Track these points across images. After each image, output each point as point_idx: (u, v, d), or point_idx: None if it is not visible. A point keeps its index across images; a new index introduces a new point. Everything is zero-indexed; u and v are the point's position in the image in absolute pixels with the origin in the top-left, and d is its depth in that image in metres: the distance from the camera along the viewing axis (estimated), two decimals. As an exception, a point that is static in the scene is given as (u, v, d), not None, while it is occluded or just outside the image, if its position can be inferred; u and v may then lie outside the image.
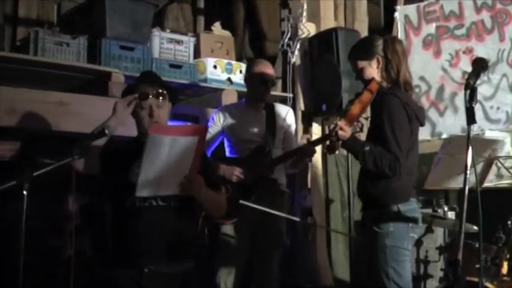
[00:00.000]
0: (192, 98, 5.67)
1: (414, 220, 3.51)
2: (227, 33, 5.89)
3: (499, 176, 4.54)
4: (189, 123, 2.56)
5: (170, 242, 2.93)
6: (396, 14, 6.00)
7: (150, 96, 3.01)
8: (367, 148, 3.37)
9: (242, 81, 4.87)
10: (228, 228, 4.28)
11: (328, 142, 3.57)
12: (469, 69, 2.71)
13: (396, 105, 3.39)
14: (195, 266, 3.04)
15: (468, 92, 2.58)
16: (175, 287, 2.95)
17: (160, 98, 3.05)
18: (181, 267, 2.98)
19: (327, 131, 5.53)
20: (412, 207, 3.49)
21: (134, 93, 3.06)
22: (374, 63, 3.51)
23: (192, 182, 2.84)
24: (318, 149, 5.62)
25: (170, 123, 3.15)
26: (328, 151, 3.73)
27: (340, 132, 3.40)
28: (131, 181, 2.84)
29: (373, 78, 3.47)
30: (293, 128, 4.60)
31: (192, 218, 3.07)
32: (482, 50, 5.48)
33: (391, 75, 3.50)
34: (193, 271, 3.04)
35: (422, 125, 3.57)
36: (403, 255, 3.43)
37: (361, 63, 3.53)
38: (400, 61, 3.51)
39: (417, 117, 3.49)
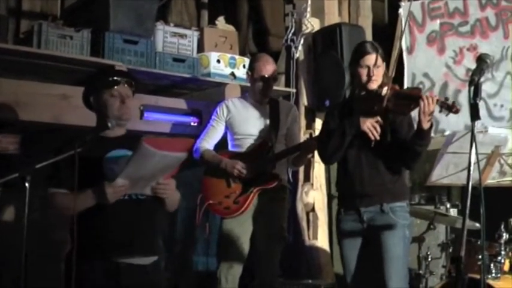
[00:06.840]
0: (195, 92, 5.66)
1: None
2: (231, 27, 5.87)
3: (502, 173, 4.53)
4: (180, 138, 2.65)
5: (144, 235, 2.98)
6: (400, 10, 5.97)
7: (121, 84, 3.02)
8: None
9: (245, 76, 4.86)
10: (229, 223, 4.28)
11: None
12: (473, 66, 2.71)
13: None
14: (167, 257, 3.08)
15: (472, 88, 2.58)
16: (148, 280, 2.98)
17: (132, 88, 3.07)
18: (152, 260, 3.02)
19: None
20: None
21: (103, 80, 3.06)
22: (384, 67, 3.64)
23: (166, 187, 2.96)
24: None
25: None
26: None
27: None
28: (106, 176, 2.90)
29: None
30: (296, 124, 4.59)
31: (164, 211, 3.13)
32: (486, 47, 5.47)
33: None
34: (160, 263, 3.07)
35: None
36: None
37: (382, 62, 3.60)
38: None
39: None
